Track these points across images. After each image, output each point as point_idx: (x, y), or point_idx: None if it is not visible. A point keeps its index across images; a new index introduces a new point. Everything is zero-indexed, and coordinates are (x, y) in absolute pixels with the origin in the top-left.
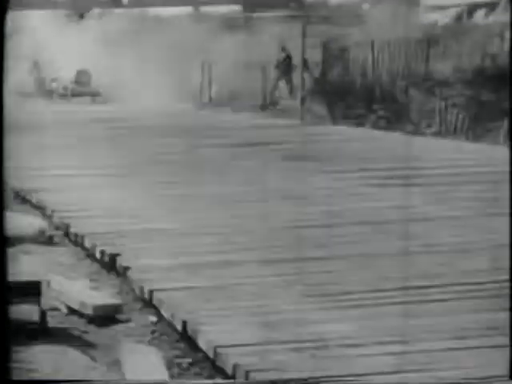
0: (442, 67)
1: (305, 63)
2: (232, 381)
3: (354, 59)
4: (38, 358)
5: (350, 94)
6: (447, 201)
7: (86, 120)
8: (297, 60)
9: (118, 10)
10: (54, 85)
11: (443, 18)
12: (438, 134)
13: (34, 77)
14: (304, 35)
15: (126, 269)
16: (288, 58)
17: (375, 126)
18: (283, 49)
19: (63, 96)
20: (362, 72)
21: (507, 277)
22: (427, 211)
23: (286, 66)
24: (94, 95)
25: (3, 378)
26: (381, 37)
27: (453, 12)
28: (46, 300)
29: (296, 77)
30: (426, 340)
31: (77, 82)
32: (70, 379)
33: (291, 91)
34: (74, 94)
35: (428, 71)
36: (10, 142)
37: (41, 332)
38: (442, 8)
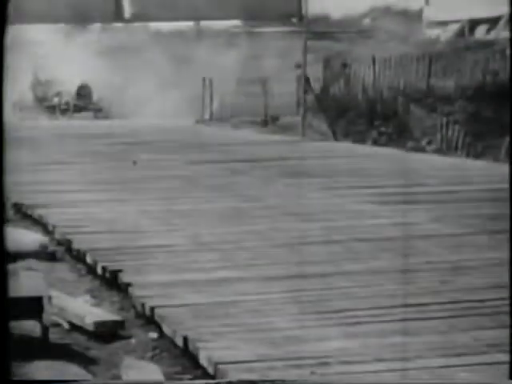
0: (444, 83)
1: (306, 79)
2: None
3: (356, 75)
4: (39, 373)
5: (352, 110)
6: (447, 218)
7: (86, 135)
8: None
9: (119, 25)
10: (56, 100)
11: (445, 34)
12: (439, 150)
13: (35, 92)
14: (305, 50)
15: (128, 285)
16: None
17: (376, 143)
18: (299, 66)
19: (65, 111)
20: (363, 88)
21: (507, 294)
22: (427, 228)
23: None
24: (96, 110)
25: (3, 378)
26: (382, 52)
27: (454, 28)
28: (48, 316)
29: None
30: (426, 357)
31: (78, 96)
32: (70, 379)
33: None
34: (76, 109)
35: (429, 87)
36: (11, 156)
37: (42, 348)
38: (443, 24)
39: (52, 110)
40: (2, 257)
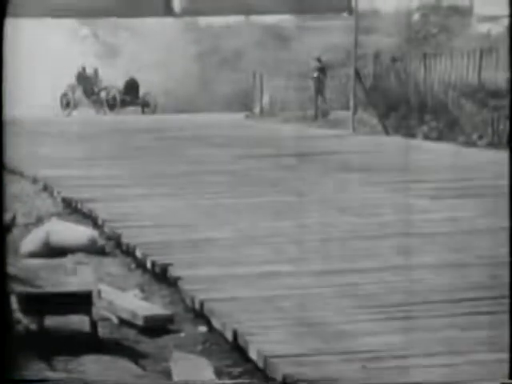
0: (495, 78)
1: (356, 73)
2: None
3: (406, 69)
4: (89, 368)
5: (402, 105)
6: (498, 212)
7: (134, 130)
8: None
9: (169, 19)
10: (103, 94)
11: (495, 29)
12: (490, 145)
13: (82, 86)
14: (356, 45)
15: (177, 279)
16: (322, 68)
17: (427, 137)
18: (319, 60)
19: (112, 106)
20: (413, 82)
21: None
22: (477, 223)
23: (320, 77)
24: (143, 105)
25: (3, 378)
26: (432, 47)
27: (505, 22)
28: (97, 310)
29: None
30: (476, 352)
31: (125, 91)
32: (68, 378)
33: (324, 101)
34: (123, 104)
35: (480, 82)
36: (59, 151)
37: (91, 342)
38: (494, 18)
39: (99, 104)
40: (1, 261)
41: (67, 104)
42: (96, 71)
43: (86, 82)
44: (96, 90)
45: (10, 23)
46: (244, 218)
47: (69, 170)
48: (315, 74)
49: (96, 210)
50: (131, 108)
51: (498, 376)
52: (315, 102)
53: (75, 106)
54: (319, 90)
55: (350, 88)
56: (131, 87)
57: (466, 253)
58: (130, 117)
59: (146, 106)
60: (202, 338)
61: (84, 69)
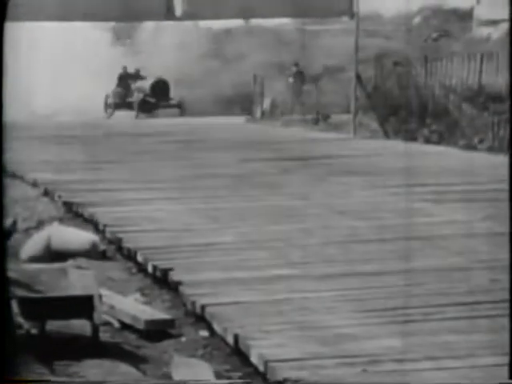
0: (495, 82)
1: (357, 77)
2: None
3: (407, 73)
4: (90, 372)
5: (403, 109)
6: (498, 217)
7: (136, 134)
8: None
9: (169, 23)
10: (135, 96)
11: (496, 33)
12: (490, 149)
13: (118, 88)
14: (357, 49)
15: (178, 283)
16: (300, 72)
17: (427, 141)
18: (296, 64)
19: (141, 107)
20: (414, 86)
21: None
22: (480, 227)
23: (298, 81)
24: (173, 107)
25: (3, 378)
26: (433, 51)
27: (505, 26)
28: (98, 315)
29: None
30: (477, 356)
31: (153, 93)
32: (68, 380)
33: (299, 105)
34: (148, 107)
35: (481, 86)
36: (67, 155)
37: (93, 346)
38: (494, 22)
39: (133, 106)
40: (2, 266)
41: (108, 107)
42: (138, 72)
43: (121, 85)
44: (131, 91)
45: (23, 27)
46: (245, 222)
47: (71, 173)
48: (291, 79)
49: (97, 214)
50: (164, 110)
51: (498, 380)
52: (295, 107)
53: (116, 108)
54: (296, 94)
55: (351, 91)
56: (159, 88)
57: (467, 257)
58: (132, 120)
59: (176, 108)
60: (202, 342)
61: (121, 71)
